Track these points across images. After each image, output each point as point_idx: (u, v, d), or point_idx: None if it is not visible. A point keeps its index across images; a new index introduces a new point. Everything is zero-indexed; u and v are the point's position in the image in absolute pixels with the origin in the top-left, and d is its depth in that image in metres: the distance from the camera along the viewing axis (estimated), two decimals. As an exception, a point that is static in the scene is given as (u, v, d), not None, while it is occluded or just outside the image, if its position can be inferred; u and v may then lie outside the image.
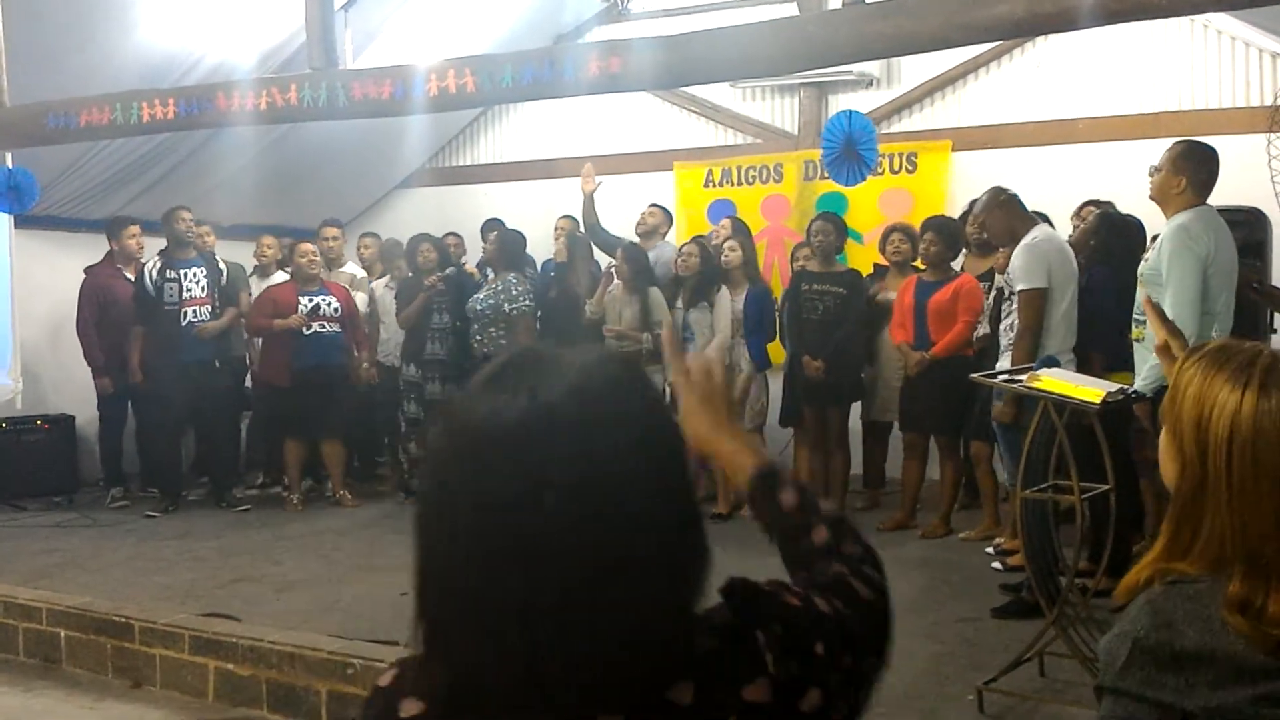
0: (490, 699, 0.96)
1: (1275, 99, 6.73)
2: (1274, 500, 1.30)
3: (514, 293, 7.49)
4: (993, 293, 6.07)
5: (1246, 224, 6.06)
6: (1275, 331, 6.04)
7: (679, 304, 7.22)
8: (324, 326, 7.86)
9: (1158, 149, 4.84)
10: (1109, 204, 6.20)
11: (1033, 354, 5.15)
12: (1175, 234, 4.53)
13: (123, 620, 5.20)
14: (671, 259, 7.81)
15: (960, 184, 8.15)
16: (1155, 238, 4.93)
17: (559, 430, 0.96)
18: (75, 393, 8.64)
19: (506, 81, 5.76)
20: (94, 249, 8.49)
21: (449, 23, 8.28)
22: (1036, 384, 4.19)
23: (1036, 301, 5.16)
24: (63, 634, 5.38)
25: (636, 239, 7.88)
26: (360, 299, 8.44)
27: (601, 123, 9.31)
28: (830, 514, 1.27)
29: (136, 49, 7.23)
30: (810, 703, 1.04)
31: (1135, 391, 4.46)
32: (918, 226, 7.02)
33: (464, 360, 7.88)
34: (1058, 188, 7.19)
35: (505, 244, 7.84)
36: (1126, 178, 5.95)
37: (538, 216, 8.77)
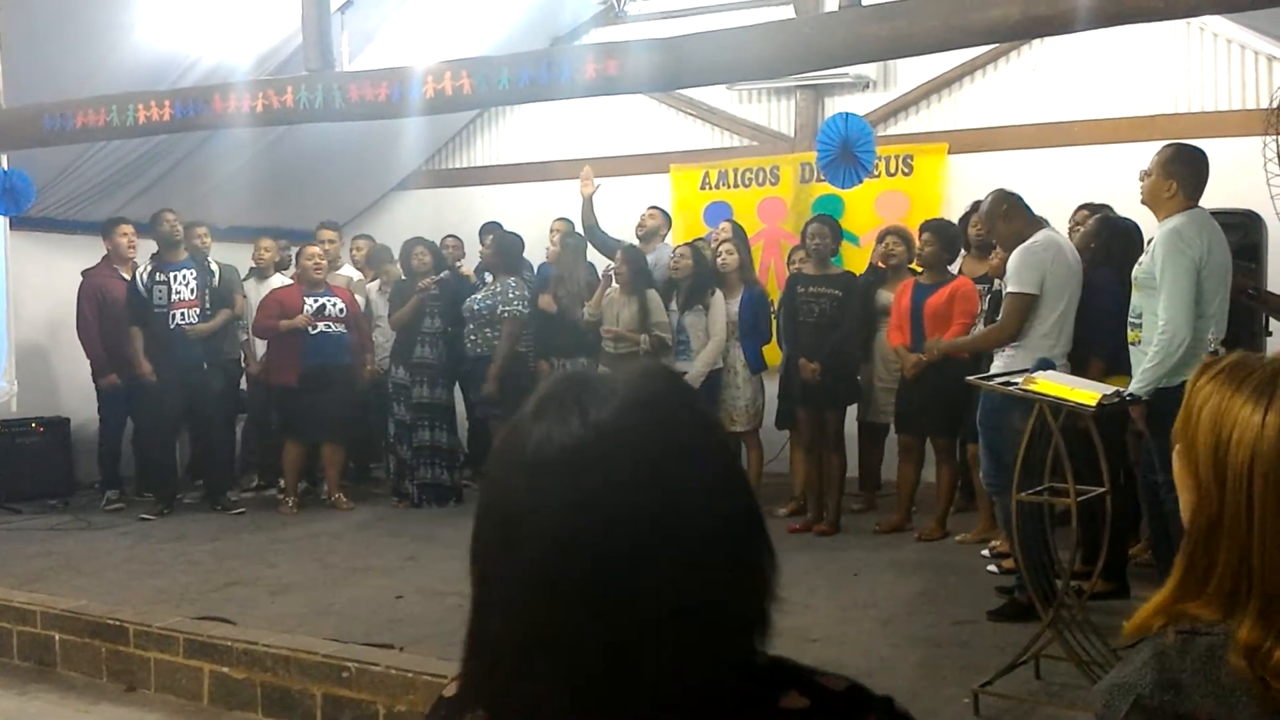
0: None
1: (1271, 102, 6.73)
2: None
3: (510, 296, 7.51)
4: (988, 296, 6.07)
5: (1242, 227, 6.06)
6: (1271, 334, 6.04)
7: (673, 306, 7.22)
8: (329, 327, 7.87)
9: (1154, 152, 4.84)
10: (1104, 207, 6.19)
11: (991, 348, 5.21)
12: (1168, 237, 4.54)
13: (117, 623, 5.18)
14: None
15: (956, 186, 8.15)
16: (1150, 241, 4.93)
17: (614, 449, 0.93)
18: (70, 395, 8.65)
19: (503, 84, 5.75)
20: (90, 251, 8.49)
21: (446, 25, 8.28)
22: (1032, 387, 4.19)
23: (1022, 306, 5.12)
24: (57, 637, 5.37)
25: (636, 241, 7.89)
26: (358, 300, 8.44)
27: (598, 125, 9.32)
28: None
29: (133, 51, 7.23)
30: None
31: (1131, 394, 4.47)
32: (914, 229, 7.02)
33: (454, 364, 7.88)
34: (1054, 190, 7.19)
35: (503, 247, 7.85)
36: (1123, 180, 5.94)
37: (534, 219, 8.77)
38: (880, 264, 7.13)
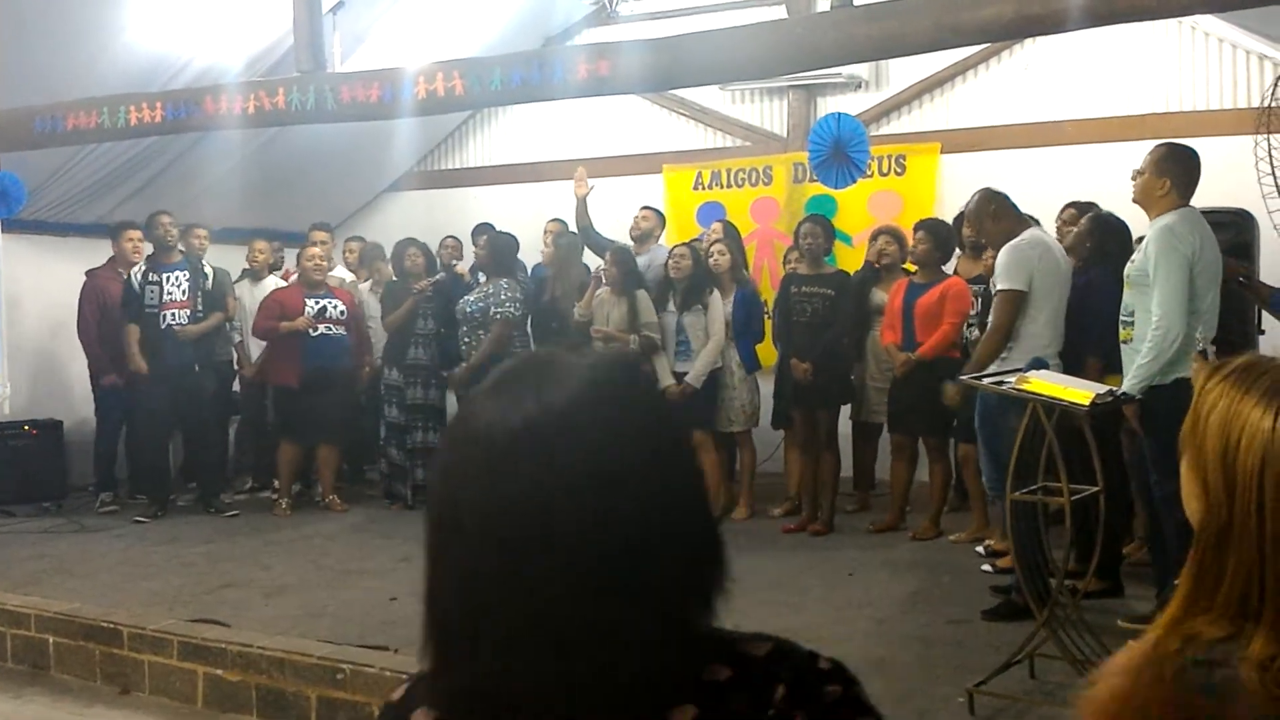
0: (500, 710, 0.95)
1: (1262, 100, 6.74)
2: None
3: (502, 297, 7.50)
4: (980, 297, 6.08)
5: (1234, 225, 6.07)
6: (1264, 332, 6.05)
7: (671, 307, 7.22)
8: (330, 329, 7.86)
9: (1146, 151, 4.86)
10: (1090, 205, 6.20)
11: (996, 354, 5.16)
12: (1161, 235, 4.55)
13: (111, 626, 5.17)
14: (665, 262, 7.81)
15: (949, 186, 8.16)
16: (1141, 239, 4.94)
17: (566, 433, 0.94)
18: (63, 398, 8.63)
19: (495, 84, 5.75)
20: (82, 253, 8.48)
21: (437, 25, 8.27)
22: (1026, 386, 4.19)
23: (1012, 303, 5.12)
24: (51, 640, 5.35)
25: (630, 242, 7.89)
26: (353, 302, 8.44)
27: (590, 126, 9.31)
28: None
29: (124, 52, 7.21)
30: None
31: (1124, 393, 4.47)
32: (907, 229, 7.02)
33: (448, 365, 7.87)
34: (1046, 190, 7.20)
35: (496, 248, 7.85)
36: (1115, 179, 5.94)
37: (527, 219, 8.77)
38: (875, 263, 7.13)
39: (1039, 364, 4.67)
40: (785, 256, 7.76)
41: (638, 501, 0.94)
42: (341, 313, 7.94)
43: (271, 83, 6.40)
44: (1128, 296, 4.75)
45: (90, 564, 6.55)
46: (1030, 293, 5.12)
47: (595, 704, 0.94)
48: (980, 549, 6.15)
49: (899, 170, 8.56)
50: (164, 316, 7.80)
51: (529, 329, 7.98)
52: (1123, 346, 4.76)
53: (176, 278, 7.87)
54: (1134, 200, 4.80)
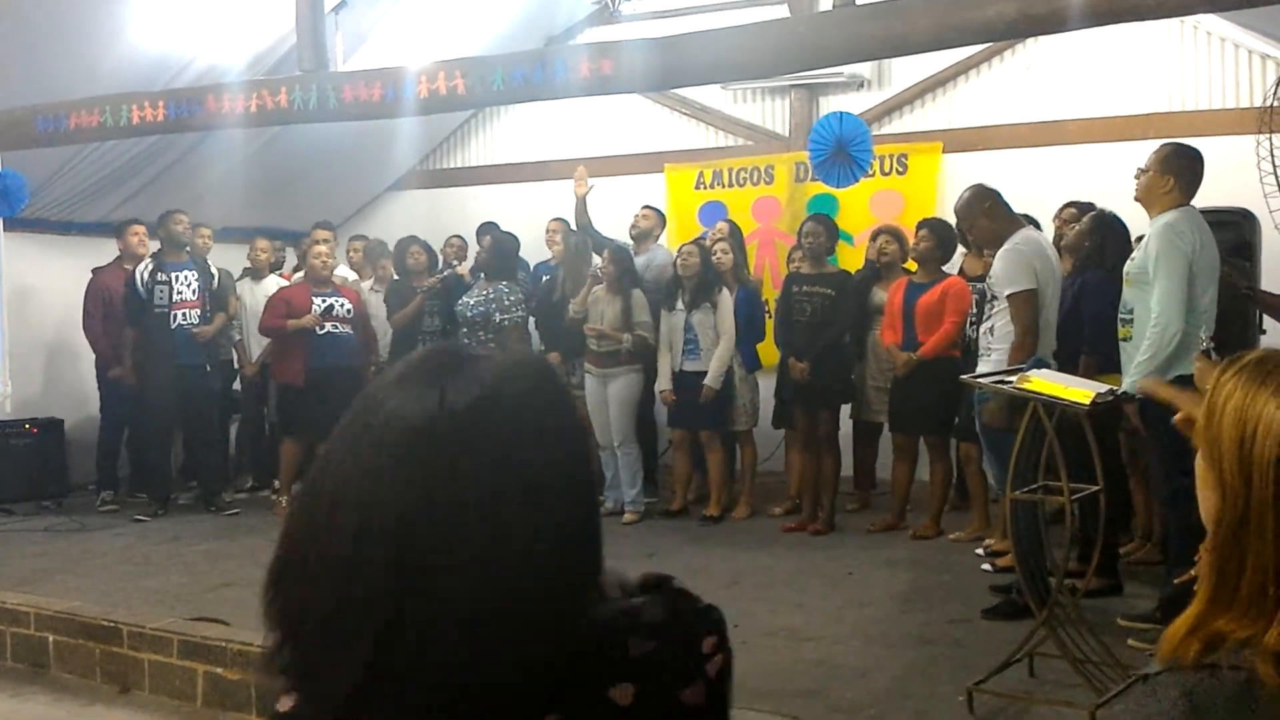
0: (408, 709, 0.93)
1: (1264, 100, 6.73)
2: None
3: (506, 302, 7.47)
4: (975, 296, 6.07)
5: (1236, 225, 6.07)
6: (1265, 332, 6.05)
7: (680, 306, 7.21)
8: (336, 327, 7.86)
9: (1148, 150, 4.88)
10: (1089, 205, 6.19)
11: (1031, 355, 5.12)
12: (1163, 233, 4.56)
13: (111, 625, 5.18)
14: (664, 262, 7.81)
15: (951, 185, 8.13)
16: (1140, 238, 4.95)
17: (462, 438, 0.93)
18: (65, 397, 8.64)
19: (497, 83, 5.75)
20: (84, 252, 8.49)
21: (440, 25, 8.27)
22: (1026, 385, 4.19)
23: (1029, 303, 5.08)
24: (51, 638, 5.36)
25: (630, 241, 7.89)
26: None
27: (592, 125, 9.31)
28: None
29: (126, 51, 7.20)
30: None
31: (1124, 392, 4.47)
32: (908, 228, 7.02)
33: None
34: (1048, 189, 7.20)
35: (500, 249, 7.83)
36: (1117, 178, 5.94)
37: (529, 219, 8.77)
38: (875, 262, 7.13)
39: (1040, 363, 4.66)
40: (789, 256, 7.75)
41: (526, 511, 0.93)
42: (348, 311, 7.93)
43: (274, 82, 6.40)
44: (1127, 294, 4.75)
45: (90, 562, 6.55)
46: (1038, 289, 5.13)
47: (514, 696, 0.93)
48: (980, 549, 6.15)
49: (901, 170, 8.55)
50: (174, 316, 7.79)
51: (533, 327, 7.99)
52: (1121, 344, 4.76)
53: (186, 277, 7.88)
54: (1136, 198, 4.80)
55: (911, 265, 6.89)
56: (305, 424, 7.80)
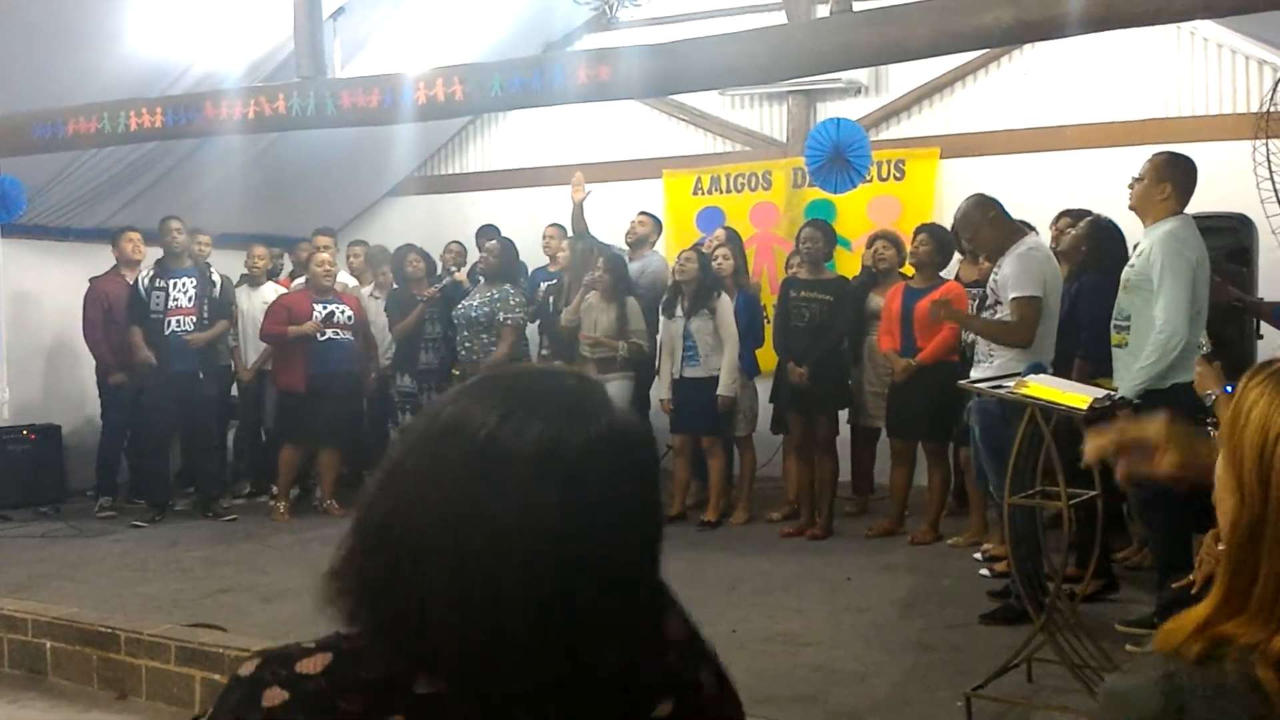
0: (487, 710, 0.98)
1: (1261, 106, 6.75)
2: None
3: (511, 303, 7.50)
4: (976, 300, 6.06)
5: (1232, 230, 6.09)
6: (1262, 337, 6.06)
7: (679, 312, 7.21)
8: (337, 334, 7.87)
9: (1145, 156, 4.90)
10: (1084, 212, 6.19)
11: (1004, 342, 5.12)
12: (1167, 240, 4.58)
13: (109, 631, 5.16)
14: (660, 269, 7.81)
15: (948, 191, 8.16)
16: (1137, 245, 4.95)
17: (579, 471, 0.97)
18: (62, 403, 8.63)
19: (495, 90, 5.75)
20: (82, 258, 8.48)
21: (438, 31, 8.28)
22: (1024, 390, 4.19)
23: (1035, 308, 5.08)
24: (48, 645, 5.34)
25: (626, 248, 7.89)
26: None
27: (590, 131, 9.32)
28: None
29: (124, 58, 7.20)
30: None
31: (1122, 397, 4.47)
32: (905, 234, 7.02)
33: (455, 365, 7.88)
34: (1046, 195, 7.21)
35: (508, 252, 7.84)
36: (1114, 184, 5.95)
37: (526, 224, 8.77)
38: (872, 268, 7.13)
39: (1037, 369, 4.66)
40: (787, 261, 7.76)
41: (637, 532, 1.02)
42: (349, 318, 7.94)
43: (272, 88, 6.40)
44: (1123, 300, 4.76)
45: (88, 568, 6.54)
46: (1044, 298, 5.13)
47: (586, 702, 0.99)
48: (978, 554, 6.15)
49: (898, 175, 8.57)
50: (168, 322, 7.81)
51: (540, 333, 8.00)
52: (1115, 350, 4.77)
53: (183, 284, 7.89)
54: (1130, 206, 4.82)
55: (909, 270, 6.90)
56: (306, 430, 7.83)
